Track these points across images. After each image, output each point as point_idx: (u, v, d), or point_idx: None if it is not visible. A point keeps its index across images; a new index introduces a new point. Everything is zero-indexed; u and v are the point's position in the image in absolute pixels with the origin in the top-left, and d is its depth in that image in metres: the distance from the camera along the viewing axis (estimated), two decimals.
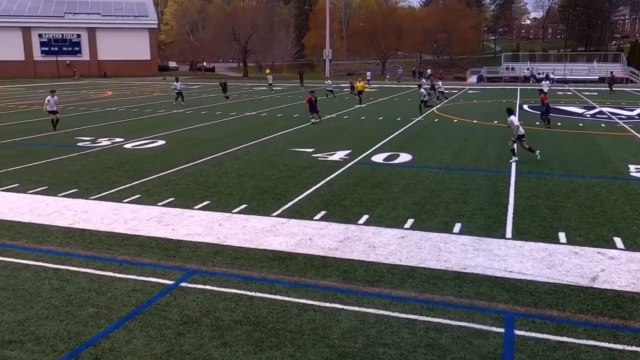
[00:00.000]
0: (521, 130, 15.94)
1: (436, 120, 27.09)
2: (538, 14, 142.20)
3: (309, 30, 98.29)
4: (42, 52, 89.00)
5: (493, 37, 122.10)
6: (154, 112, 32.11)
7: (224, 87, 41.30)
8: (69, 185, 13.43)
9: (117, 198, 12.17)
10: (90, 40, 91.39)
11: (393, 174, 14.55)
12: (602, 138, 20.94)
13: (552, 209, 11.15)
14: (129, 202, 11.82)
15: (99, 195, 12.41)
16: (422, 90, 30.67)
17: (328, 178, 14.01)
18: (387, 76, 79.47)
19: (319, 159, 16.64)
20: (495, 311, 6.78)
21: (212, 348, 5.99)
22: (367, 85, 50.98)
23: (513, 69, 72.97)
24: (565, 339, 6.12)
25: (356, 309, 6.87)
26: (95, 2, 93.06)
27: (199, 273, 8.03)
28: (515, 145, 16.10)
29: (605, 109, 32.27)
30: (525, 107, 33.62)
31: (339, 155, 17.16)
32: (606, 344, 6.00)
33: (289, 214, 10.84)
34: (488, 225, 10.09)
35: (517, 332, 6.27)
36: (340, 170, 14.90)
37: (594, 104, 35.74)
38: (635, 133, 22.09)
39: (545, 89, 35.63)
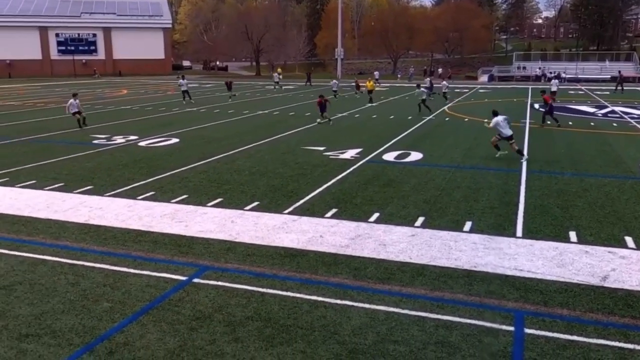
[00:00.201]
0: (509, 132, 15.97)
1: (447, 119, 27.06)
2: (550, 13, 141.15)
3: (320, 29, 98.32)
4: (59, 51, 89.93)
5: (505, 37, 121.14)
6: (167, 110, 32.33)
7: (229, 86, 41.15)
8: (84, 182, 13.62)
9: (131, 195, 12.33)
10: (105, 39, 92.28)
11: (404, 172, 14.59)
12: (613, 137, 20.80)
13: (563, 208, 11.14)
14: (143, 199, 11.97)
15: (113, 192, 12.57)
16: (421, 89, 30.56)
17: (339, 176, 14.08)
18: (399, 75, 79.32)
19: (331, 157, 16.70)
20: (505, 309, 6.81)
21: (224, 343, 6.08)
22: (378, 85, 51.10)
23: (524, 68, 72.55)
24: (575, 337, 6.14)
25: (367, 306, 6.93)
26: (111, 2, 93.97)
27: (212, 269, 8.13)
28: (498, 143, 16.36)
29: (617, 108, 31.99)
30: (537, 106, 33.39)
31: (350, 153, 17.22)
32: (617, 343, 6.02)
33: (301, 212, 10.92)
34: (498, 224, 10.11)
35: (527, 331, 6.29)
36: (351, 169, 14.97)
37: (606, 103, 35.43)
38: None
39: (554, 88, 35.37)
